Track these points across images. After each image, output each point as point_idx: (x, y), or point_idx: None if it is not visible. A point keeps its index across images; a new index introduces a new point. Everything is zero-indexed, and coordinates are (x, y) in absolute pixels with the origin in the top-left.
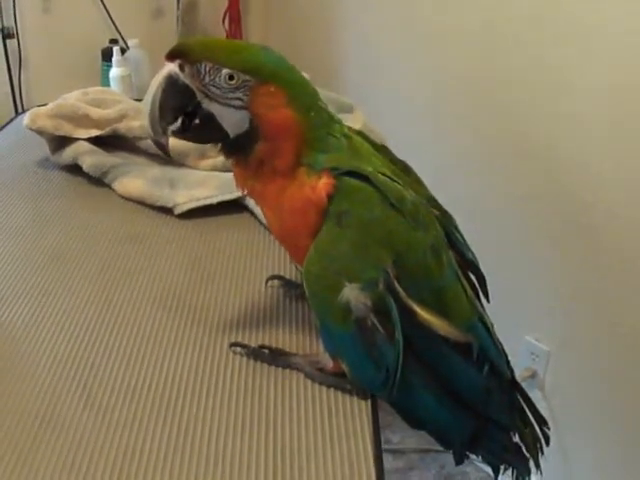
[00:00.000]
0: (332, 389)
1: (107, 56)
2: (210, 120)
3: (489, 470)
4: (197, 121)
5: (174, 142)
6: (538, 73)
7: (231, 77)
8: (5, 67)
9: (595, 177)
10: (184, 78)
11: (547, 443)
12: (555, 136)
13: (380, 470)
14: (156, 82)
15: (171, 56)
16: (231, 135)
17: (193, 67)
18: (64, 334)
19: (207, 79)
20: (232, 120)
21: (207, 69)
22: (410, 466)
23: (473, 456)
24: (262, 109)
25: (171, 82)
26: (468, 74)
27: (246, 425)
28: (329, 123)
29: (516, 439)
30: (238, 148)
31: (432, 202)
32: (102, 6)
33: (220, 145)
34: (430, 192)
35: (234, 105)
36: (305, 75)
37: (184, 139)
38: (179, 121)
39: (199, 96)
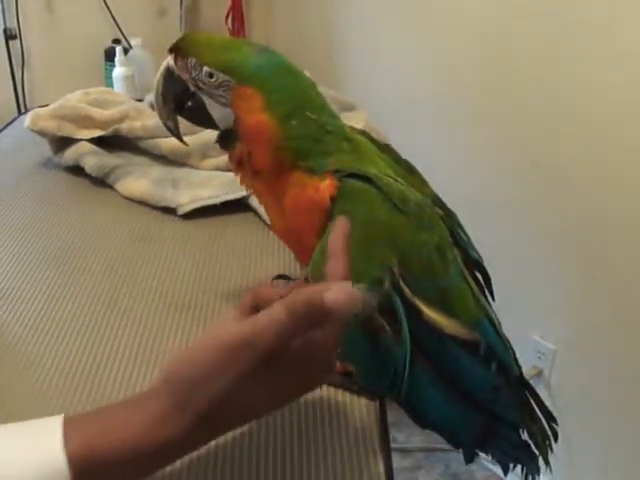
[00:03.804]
0: (339, 389)
1: (110, 56)
2: (202, 109)
3: (495, 469)
4: (189, 104)
5: (176, 143)
6: (542, 69)
7: (210, 75)
8: (8, 67)
9: (602, 176)
10: (178, 70)
11: (555, 439)
12: (561, 134)
13: (389, 471)
14: (159, 71)
15: (170, 49)
16: (221, 128)
17: (183, 61)
18: (69, 334)
19: (194, 74)
20: (219, 115)
21: (193, 64)
22: (417, 465)
23: (482, 454)
24: (240, 111)
25: (168, 73)
26: (472, 72)
27: (252, 425)
28: (318, 134)
29: (525, 436)
30: (228, 141)
31: (436, 201)
32: (105, 6)
33: (218, 134)
34: (434, 191)
35: (220, 102)
36: (308, 80)
37: (183, 118)
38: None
39: (192, 87)
